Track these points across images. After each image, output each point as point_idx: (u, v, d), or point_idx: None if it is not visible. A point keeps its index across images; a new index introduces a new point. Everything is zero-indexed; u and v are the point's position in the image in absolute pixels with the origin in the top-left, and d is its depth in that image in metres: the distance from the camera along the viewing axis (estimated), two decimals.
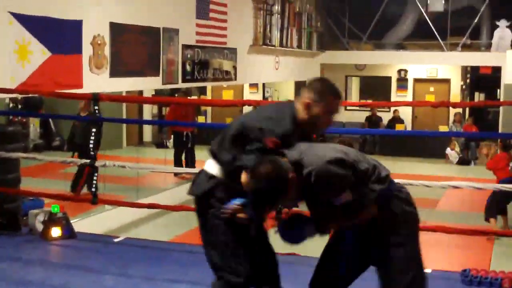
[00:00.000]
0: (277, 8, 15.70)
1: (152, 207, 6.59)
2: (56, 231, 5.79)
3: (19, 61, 8.08)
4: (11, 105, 15.11)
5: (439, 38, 18.15)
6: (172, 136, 13.96)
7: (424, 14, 18.73)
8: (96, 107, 6.09)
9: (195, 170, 10.62)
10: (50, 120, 16.41)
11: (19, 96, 13.17)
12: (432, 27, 18.18)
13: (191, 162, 12.81)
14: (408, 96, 20.27)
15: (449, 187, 5.70)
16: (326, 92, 3.16)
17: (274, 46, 15.48)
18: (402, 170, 13.75)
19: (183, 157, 12.94)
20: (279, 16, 15.80)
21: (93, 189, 6.02)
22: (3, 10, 7.80)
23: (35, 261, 5.31)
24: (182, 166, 12.18)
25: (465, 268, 4.96)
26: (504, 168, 9.97)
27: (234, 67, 13.74)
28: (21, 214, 6.66)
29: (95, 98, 5.92)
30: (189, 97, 14.89)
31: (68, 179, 11.08)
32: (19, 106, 15.10)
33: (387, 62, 19.75)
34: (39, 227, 5.93)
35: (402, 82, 20.59)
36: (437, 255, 8.28)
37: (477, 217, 9.96)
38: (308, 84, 3.23)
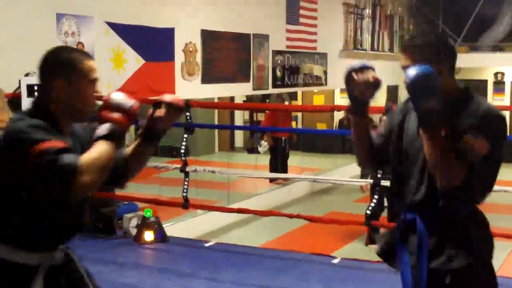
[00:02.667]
0: (367, 11, 15.53)
1: (242, 212, 6.63)
2: (149, 235, 5.90)
3: (114, 69, 8.32)
4: None
5: None
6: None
7: None
8: (187, 114, 6.17)
9: (288, 175, 10.68)
10: None
11: None
12: None
13: (283, 168, 12.81)
14: (506, 100, 19.57)
15: None
16: None
17: (365, 50, 15.31)
18: (501, 176, 13.28)
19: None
20: (370, 19, 15.63)
21: (184, 194, 6.10)
22: (100, 21, 8.06)
23: (129, 264, 5.43)
24: (279, 172, 12.16)
25: None
26: None
27: (325, 72, 13.67)
28: (116, 218, 6.84)
29: (186, 104, 6.00)
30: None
31: (162, 184, 11.29)
32: None
33: (483, 64, 19.13)
34: (133, 231, 6.07)
35: (499, 85, 19.91)
36: None
37: None
38: None
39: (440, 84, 2.38)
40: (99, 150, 2.10)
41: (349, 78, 2.57)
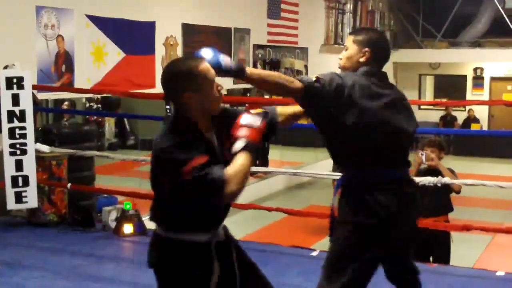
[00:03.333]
0: (349, 7, 15.60)
1: None
2: (128, 228, 5.90)
3: (95, 62, 8.30)
4: (87, 104, 15.52)
5: None
6: None
7: (501, 10, 18.20)
8: (167, 107, 6.17)
9: (268, 169, 10.69)
10: (125, 119, 16.77)
11: (95, 96, 13.51)
12: (510, 24, 17.66)
13: (263, 161, 12.82)
14: (485, 95, 19.75)
15: None
16: None
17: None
18: (478, 170, 13.41)
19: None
20: (351, 15, 15.69)
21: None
22: (81, 13, 8.02)
23: (108, 257, 5.43)
24: (258, 165, 12.18)
25: None
26: None
27: (306, 66, 13.71)
28: (96, 211, 6.84)
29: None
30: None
31: (142, 177, 11.25)
32: (95, 106, 15.48)
33: (463, 60, 19.30)
34: (112, 224, 6.07)
35: (478, 81, 20.08)
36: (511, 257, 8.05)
37: None
38: None
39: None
40: (240, 162, 2.47)
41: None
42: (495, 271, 5.07)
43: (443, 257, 5.64)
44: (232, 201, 2.54)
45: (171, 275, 2.61)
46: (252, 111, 2.65)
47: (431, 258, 5.67)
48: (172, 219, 2.59)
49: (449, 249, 5.72)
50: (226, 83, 11.79)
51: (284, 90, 2.98)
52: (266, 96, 18.48)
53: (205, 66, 2.59)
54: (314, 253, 5.54)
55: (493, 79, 19.97)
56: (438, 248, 5.69)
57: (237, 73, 2.90)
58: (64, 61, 7.88)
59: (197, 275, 2.56)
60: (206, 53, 2.79)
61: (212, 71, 2.61)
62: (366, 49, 3.16)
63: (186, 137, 2.50)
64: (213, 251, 2.58)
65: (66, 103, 13.15)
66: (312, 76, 2.96)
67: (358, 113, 2.97)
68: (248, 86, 12.53)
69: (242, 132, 2.53)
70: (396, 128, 3.08)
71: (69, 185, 6.27)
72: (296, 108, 3.08)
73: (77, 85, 7.98)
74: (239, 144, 2.51)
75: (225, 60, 2.82)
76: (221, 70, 2.77)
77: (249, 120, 2.56)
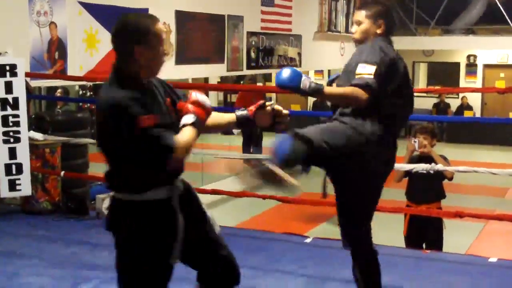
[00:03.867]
0: None
1: (216, 193, 6.65)
2: None
3: (87, 50, 8.26)
4: (80, 92, 15.47)
5: (510, 22, 17.61)
6: None
7: None
8: None
9: (262, 156, 10.68)
10: None
11: (88, 84, 13.47)
12: (503, 11, 17.65)
13: (257, 149, 12.83)
14: (478, 82, 19.77)
15: None
16: None
17: (339, 32, 15.35)
18: (471, 157, 13.46)
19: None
20: (344, 1, 15.65)
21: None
22: (73, 1, 7.98)
23: (102, 245, 5.43)
24: (251, 153, 12.21)
25: None
26: None
27: (299, 54, 13.70)
28: (89, 198, 6.83)
29: None
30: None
31: None
32: (88, 94, 15.44)
33: (456, 47, 19.29)
34: (106, 211, 6.06)
35: (472, 68, 20.10)
36: (503, 244, 8.08)
37: None
38: None
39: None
40: (188, 134, 2.61)
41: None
42: (487, 258, 5.10)
43: (436, 244, 5.68)
44: (175, 167, 2.67)
45: (134, 235, 2.69)
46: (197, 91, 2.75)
47: (424, 245, 5.71)
48: (129, 182, 2.67)
49: (441, 236, 5.76)
50: (219, 71, 11.78)
51: (355, 104, 3.21)
52: (259, 84, 18.48)
53: (160, 26, 2.67)
54: (308, 240, 5.56)
55: (486, 66, 19.99)
56: (431, 235, 5.72)
57: (313, 95, 3.19)
58: (57, 48, 7.85)
59: (163, 230, 2.67)
60: (286, 73, 3.10)
61: (163, 33, 2.70)
62: (381, 21, 3.37)
63: (133, 92, 2.58)
64: (175, 205, 2.70)
65: (59, 90, 13.12)
66: (362, 71, 3.18)
67: (403, 82, 3.31)
68: (242, 74, 12.52)
69: (193, 108, 2.66)
70: (411, 97, 3.47)
71: (62, 172, 6.27)
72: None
73: (70, 72, 7.95)
74: (189, 118, 2.65)
75: (303, 82, 3.08)
76: (298, 91, 3.09)
77: (201, 98, 2.69)
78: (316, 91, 3.13)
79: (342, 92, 3.23)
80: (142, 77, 2.67)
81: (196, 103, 2.68)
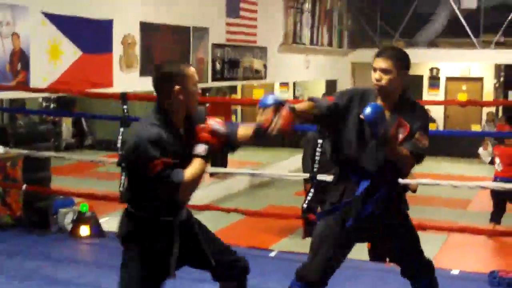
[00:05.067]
0: (307, 6, 15.65)
1: None
2: (84, 230, 5.84)
3: (51, 61, 8.17)
4: (44, 104, 15.30)
5: (472, 36, 17.91)
6: None
7: (457, 11, 18.48)
8: (125, 107, 6.10)
9: (227, 170, 10.67)
10: (83, 119, 16.58)
11: (52, 95, 13.32)
12: (465, 24, 17.95)
13: (223, 162, 12.79)
14: (440, 95, 20.03)
15: (478, 187, 5.63)
16: None
17: (304, 44, 15.43)
18: (433, 170, 13.61)
19: None
20: (309, 14, 15.75)
21: (121, 188, 6.04)
22: (36, 11, 7.89)
23: (65, 260, 5.37)
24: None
25: (493, 270, 4.88)
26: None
27: (265, 66, 13.73)
28: (52, 212, 6.73)
29: (123, 97, 5.95)
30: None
31: (99, 178, 11.14)
32: (52, 105, 15.27)
33: (419, 60, 19.47)
34: (68, 225, 5.99)
35: (434, 81, 20.36)
36: (466, 256, 8.17)
37: (508, 218, 9.81)
38: None
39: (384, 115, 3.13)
40: (197, 167, 2.95)
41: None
42: (450, 270, 5.15)
43: None
44: (186, 198, 3.05)
45: (139, 245, 3.10)
46: (216, 119, 3.00)
47: (387, 258, 5.72)
48: (142, 205, 3.06)
49: None
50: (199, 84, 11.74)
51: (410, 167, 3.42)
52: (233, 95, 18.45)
53: (193, 70, 3.05)
54: (272, 254, 5.55)
55: (448, 79, 20.27)
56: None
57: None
58: (20, 59, 7.74)
59: (162, 246, 3.07)
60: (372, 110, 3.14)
61: (196, 76, 3.05)
62: (406, 71, 3.47)
63: (162, 131, 2.93)
64: (175, 227, 3.08)
65: None
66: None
67: None
68: (207, 86, 12.48)
69: (207, 136, 2.94)
70: None
71: (24, 186, 6.17)
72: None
73: (32, 84, 7.85)
74: (201, 149, 2.93)
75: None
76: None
77: (217, 127, 2.96)
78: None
79: (400, 155, 3.36)
80: (181, 113, 3.03)
81: (211, 132, 2.96)
